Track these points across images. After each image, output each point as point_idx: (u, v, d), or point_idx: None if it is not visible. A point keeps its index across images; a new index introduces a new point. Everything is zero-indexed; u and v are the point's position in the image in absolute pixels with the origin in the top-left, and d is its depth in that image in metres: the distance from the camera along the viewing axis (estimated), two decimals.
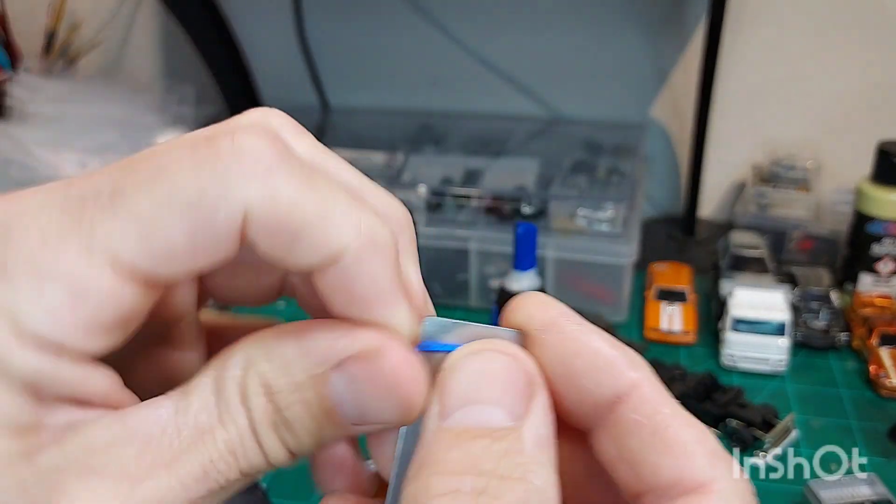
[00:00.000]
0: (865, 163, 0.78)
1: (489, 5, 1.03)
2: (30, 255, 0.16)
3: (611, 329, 0.75)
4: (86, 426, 0.16)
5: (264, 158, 0.16)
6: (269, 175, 0.16)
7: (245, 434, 0.17)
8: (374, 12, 1.06)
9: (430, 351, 0.18)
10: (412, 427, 0.18)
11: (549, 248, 0.78)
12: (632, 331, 0.77)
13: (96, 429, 0.16)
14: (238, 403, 0.17)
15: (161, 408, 0.17)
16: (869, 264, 0.78)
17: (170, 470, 0.16)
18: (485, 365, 0.18)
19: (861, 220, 0.77)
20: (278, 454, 0.17)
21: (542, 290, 0.65)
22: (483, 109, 1.08)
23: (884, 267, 0.78)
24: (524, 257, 0.63)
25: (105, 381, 0.17)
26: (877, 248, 0.77)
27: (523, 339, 0.19)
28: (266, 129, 0.17)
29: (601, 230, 0.80)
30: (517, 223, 0.63)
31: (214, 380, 0.17)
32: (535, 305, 0.19)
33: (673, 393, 0.62)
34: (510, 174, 0.90)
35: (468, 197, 0.83)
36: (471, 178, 0.90)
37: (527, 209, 0.83)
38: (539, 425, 0.17)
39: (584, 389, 0.18)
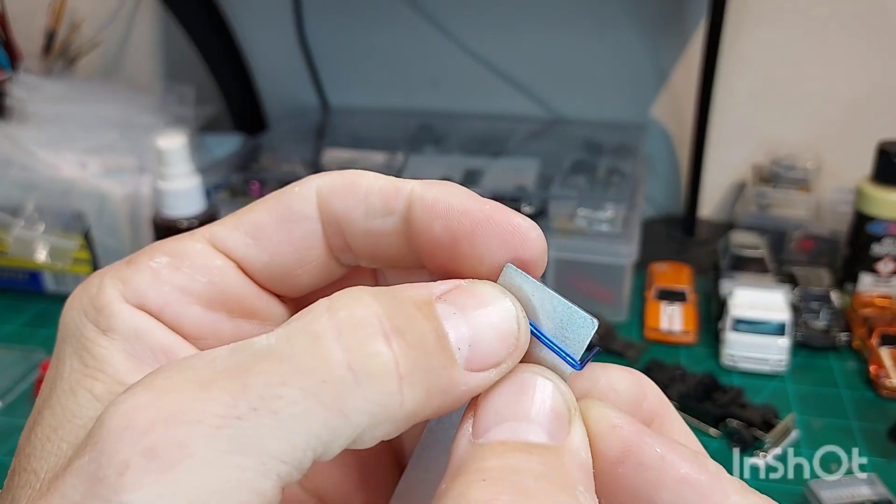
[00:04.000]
0: (866, 163, 0.78)
1: (489, 6, 1.03)
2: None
3: (611, 329, 0.75)
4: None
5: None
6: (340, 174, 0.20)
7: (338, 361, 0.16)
8: (374, 12, 1.06)
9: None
10: (439, 432, 0.18)
11: (550, 248, 0.77)
12: (632, 331, 0.77)
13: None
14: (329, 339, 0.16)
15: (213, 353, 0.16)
16: (869, 264, 0.78)
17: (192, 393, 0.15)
18: (524, 385, 0.17)
19: (861, 220, 0.77)
20: (380, 353, 0.15)
21: None
22: (483, 110, 1.08)
23: (884, 267, 0.78)
24: None
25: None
26: (877, 248, 0.77)
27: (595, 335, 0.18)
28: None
29: (601, 230, 0.80)
30: None
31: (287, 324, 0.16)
32: (603, 420, 0.17)
33: (673, 393, 0.62)
34: (510, 174, 0.90)
35: None
36: (471, 178, 0.90)
37: (527, 209, 0.83)
38: (580, 449, 0.16)
39: None
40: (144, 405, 0.14)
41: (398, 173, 0.89)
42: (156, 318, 0.19)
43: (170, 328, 0.19)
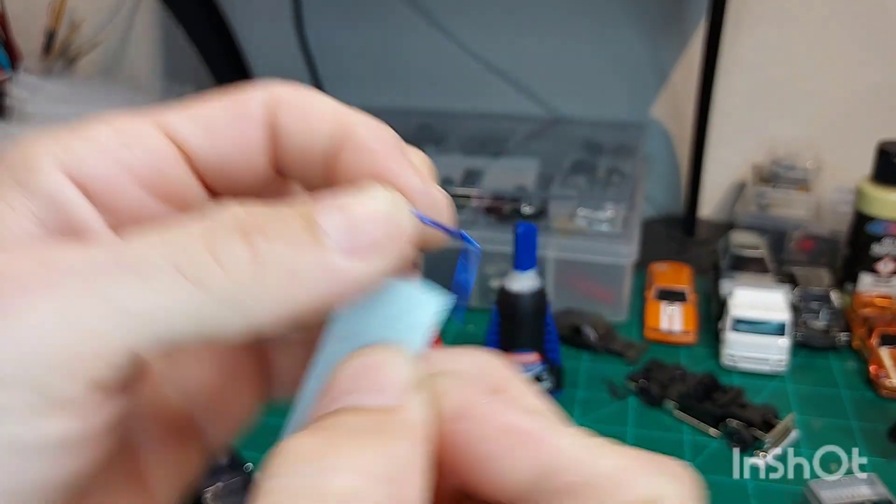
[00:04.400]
0: (866, 163, 0.78)
1: (489, 6, 1.03)
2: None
3: (611, 329, 0.75)
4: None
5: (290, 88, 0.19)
6: (295, 88, 0.19)
7: (195, 231, 0.15)
8: (374, 13, 1.06)
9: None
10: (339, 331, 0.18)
11: (550, 248, 0.78)
12: (632, 331, 0.77)
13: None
14: (199, 221, 0.16)
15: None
16: (869, 264, 0.78)
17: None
18: (371, 361, 0.17)
19: (861, 220, 0.77)
20: (234, 253, 0.15)
21: (542, 290, 0.65)
22: (483, 109, 1.08)
23: (884, 267, 0.78)
24: (524, 257, 0.63)
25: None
26: (877, 248, 0.77)
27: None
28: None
29: (601, 230, 0.80)
30: (517, 223, 0.63)
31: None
32: (451, 384, 0.17)
33: (673, 393, 0.62)
34: (510, 174, 0.90)
35: (468, 197, 0.83)
36: (471, 177, 0.90)
37: (527, 209, 0.83)
38: (417, 411, 0.16)
39: (502, 472, 0.16)
40: None
41: None
42: (88, 193, 0.17)
43: (100, 207, 0.18)
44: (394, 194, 0.17)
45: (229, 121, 0.19)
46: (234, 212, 0.16)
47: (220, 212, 0.16)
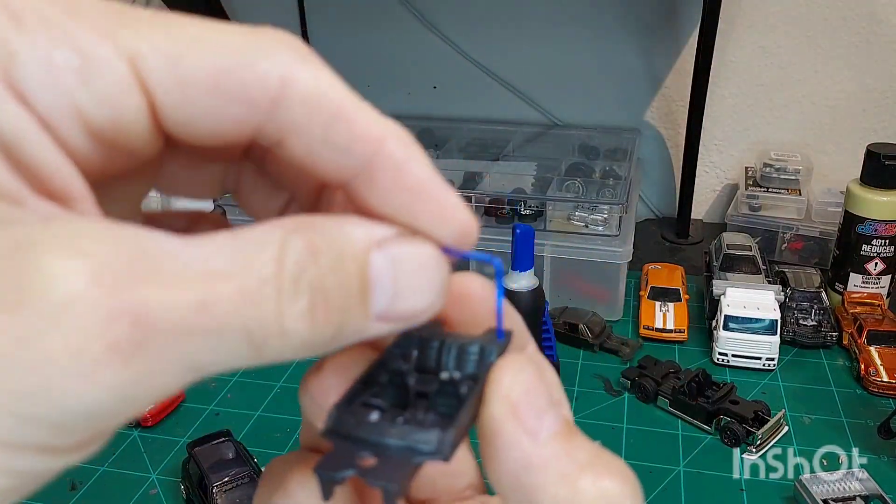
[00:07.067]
0: (855, 165, 0.79)
1: (488, 14, 1.04)
2: (42, 12, 0.14)
3: (606, 327, 0.77)
4: (74, 219, 0.14)
5: (304, 48, 0.17)
6: (310, 57, 0.16)
7: (267, 281, 0.14)
8: (376, 19, 1.08)
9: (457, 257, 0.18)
10: None
11: (547, 248, 0.79)
12: (626, 329, 0.79)
13: (90, 221, 0.14)
14: (271, 255, 0.14)
15: (169, 237, 0.14)
16: (858, 264, 0.79)
17: (163, 285, 0.13)
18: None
19: (851, 221, 0.79)
20: (296, 320, 0.14)
21: (539, 289, 0.66)
22: (482, 115, 1.09)
23: (873, 267, 0.79)
24: (522, 258, 0.64)
25: (86, 188, 0.15)
26: (866, 249, 0.78)
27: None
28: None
29: (597, 231, 0.81)
30: (515, 224, 0.64)
31: (239, 231, 0.15)
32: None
33: (667, 390, 0.63)
34: (509, 177, 0.92)
35: (468, 199, 0.84)
36: (470, 180, 0.91)
37: (525, 211, 0.84)
38: None
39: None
40: None
41: None
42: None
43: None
44: (438, 256, 0.17)
45: (221, 94, 0.15)
46: (304, 248, 0.15)
47: (289, 243, 0.15)
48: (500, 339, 0.18)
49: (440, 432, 0.16)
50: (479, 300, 0.19)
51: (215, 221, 0.21)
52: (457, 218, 0.17)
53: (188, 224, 0.21)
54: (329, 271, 0.15)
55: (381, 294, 0.16)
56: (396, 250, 0.16)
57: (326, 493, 0.16)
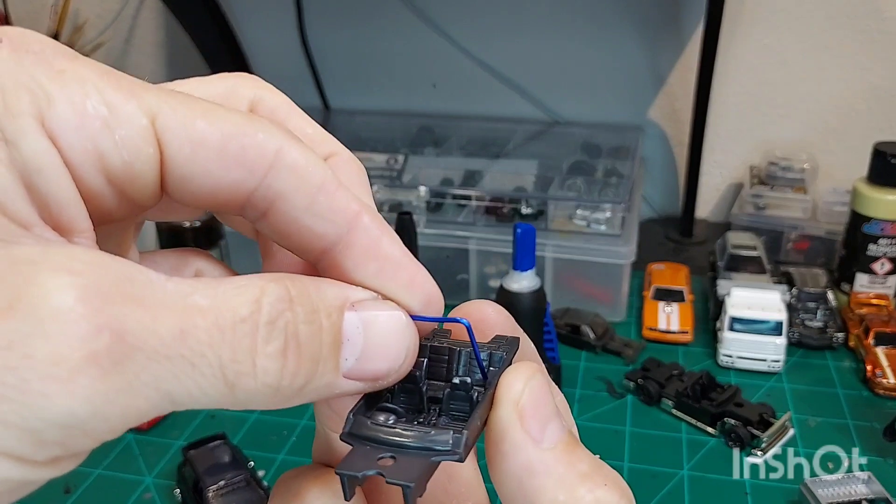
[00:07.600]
0: (861, 164, 0.78)
1: (489, 10, 1.04)
2: (79, 71, 0.17)
3: (609, 328, 0.76)
4: (71, 246, 0.16)
5: (294, 133, 0.18)
6: (300, 141, 0.18)
7: (244, 320, 0.15)
8: (375, 16, 1.07)
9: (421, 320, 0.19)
10: None
11: (548, 248, 0.78)
12: (630, 330, 0.78)
13: (86, 249, 0.15)
14: (250, 297, 0.16)
15: (156, 273, 0.15)
16: (865, 264, 0.78)
17: (145, 309, 0.14)
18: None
19: (857, 221, 0.78)
20: (269, 358, 0.16)
21: (541, 289, 0.65)
22: (483, 112, 1.09)
23: (880, 267, 0.78)
24: (523, 257, 0.63)
25: (89, 225, 0.17)
26: (873, 249, 0.78)
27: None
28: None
29: (599, 231, 0.80)
30: (516, 224, 0.63)
31: (224, 278, 0.16)
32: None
33: (670, 392, 0.62)
34: (509, 176, 0.91)
35: (468, 198, 0.83)
36: (471, 179, 0.90)
37: (526, 210, 0.83)
38: None
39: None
40: None
41: (399, 174, 0.90)
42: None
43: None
44: (407, 321, 0.18)
45: (225, 156, 0.17)
46: (281, 295, 0.16)
47: (268, 289, 0.16)
48: (486, 384, 0.19)
49: (455, 433, 0.17)
50: (494, 323, 0.21)
51: (204, 258, 0.23)
52: (425, 288, 0.19)
53: (177, 262, 0.22)
54: (304, 321, 0.16)
55: (351, 351, 0.17)
56: (369, 312, 0.18)
57: (348, 492, 0.17)
